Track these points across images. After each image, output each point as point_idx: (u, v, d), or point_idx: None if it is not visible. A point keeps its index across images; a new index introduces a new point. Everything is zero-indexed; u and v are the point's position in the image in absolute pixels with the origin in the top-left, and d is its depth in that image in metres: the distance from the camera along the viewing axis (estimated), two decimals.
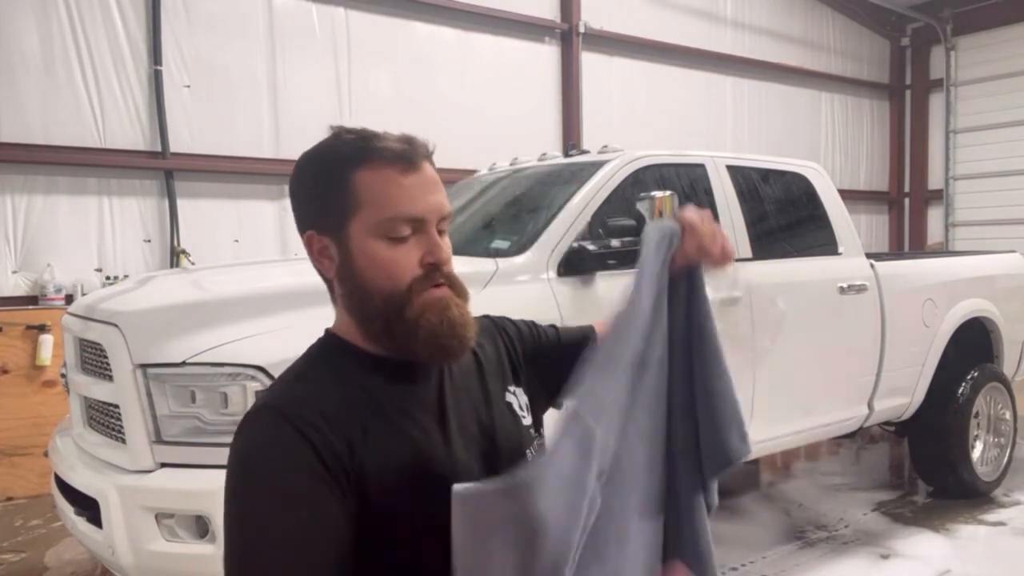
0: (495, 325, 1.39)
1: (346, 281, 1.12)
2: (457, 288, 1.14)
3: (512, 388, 1.28)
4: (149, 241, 5.77)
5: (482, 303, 2.85)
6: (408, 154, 1.10)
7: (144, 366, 2.31)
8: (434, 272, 1.11)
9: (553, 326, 1.46)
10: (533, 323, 1.44)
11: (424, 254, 1.10)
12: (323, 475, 1.00)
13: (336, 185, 1.09)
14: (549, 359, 1.37)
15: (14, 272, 5.29)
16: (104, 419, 2.56)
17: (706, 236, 1.26)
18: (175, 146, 5.77)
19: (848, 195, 7.33)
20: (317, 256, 1.14)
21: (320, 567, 0.98)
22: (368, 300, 1.11)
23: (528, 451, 1.23)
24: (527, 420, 1.27)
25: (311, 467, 0.99)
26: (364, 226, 1.08)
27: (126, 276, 5.29)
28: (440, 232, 1.13)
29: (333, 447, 1.01)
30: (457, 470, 1.10)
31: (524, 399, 1.29)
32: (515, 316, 2.73)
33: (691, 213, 1.26)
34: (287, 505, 0.98)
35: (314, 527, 0.98)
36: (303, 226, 1.14)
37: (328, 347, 1.17)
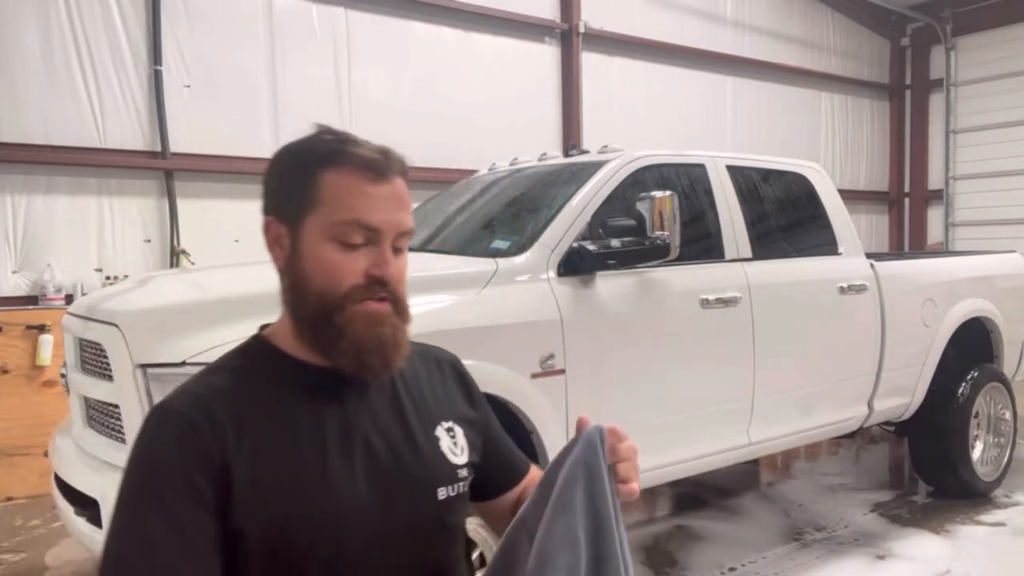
0: (455, 367, 1.35)
1: (289, 275, 1.13)
2: (400, 309, 1.13)
3: (449, 425, 1.23)
4: (149, 241, 5.77)
5: (482, 303, 2.85)
6: (379, 164, 1.10)
7: (144, 366, 2.31)
8: (376, 285, 1.10)
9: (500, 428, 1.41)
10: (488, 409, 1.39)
11: (371, 266, 1.10)
12: (192, 482, 1.01)
13: (302, 178, 1.10)
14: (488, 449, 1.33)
15: (14, 272, 5.29)
16: (104, 419, 2.56)
17: (622, 449, 1.15)
18: (175, 146, 5.77)
19: (848, 195, 7.33)
20: (271, 243, 1.15)
21: (177, 567, 0.98)
22: (304, 298, 1.11)
23: (440, 489, 1.17)
24: (457, 459, 1.21)
25: (183, 475, 1.01)
26: (319, 224, 1.09)
27: (126, 276, 5.29)
28: (398, 250, 1.13)
29: (208, 450, 1.03)
30: (341, 490, 1.08)
31: (463, 440, 1.24)
32: (515, 316, 2.72)
33: (616, 427, 1.16)
34: (149, 507, 1.00)
35: (173, 534, 0.99)
36: (265, 210, 1.16)
37: (250, 347, 1.18)
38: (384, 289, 1.11)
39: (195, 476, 1.01)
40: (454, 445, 1.21)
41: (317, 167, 1.09)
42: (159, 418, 1.07)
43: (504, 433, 1.39)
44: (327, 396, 1.13)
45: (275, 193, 1.15)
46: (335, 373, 1.12)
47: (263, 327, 1.21)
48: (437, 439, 1.20)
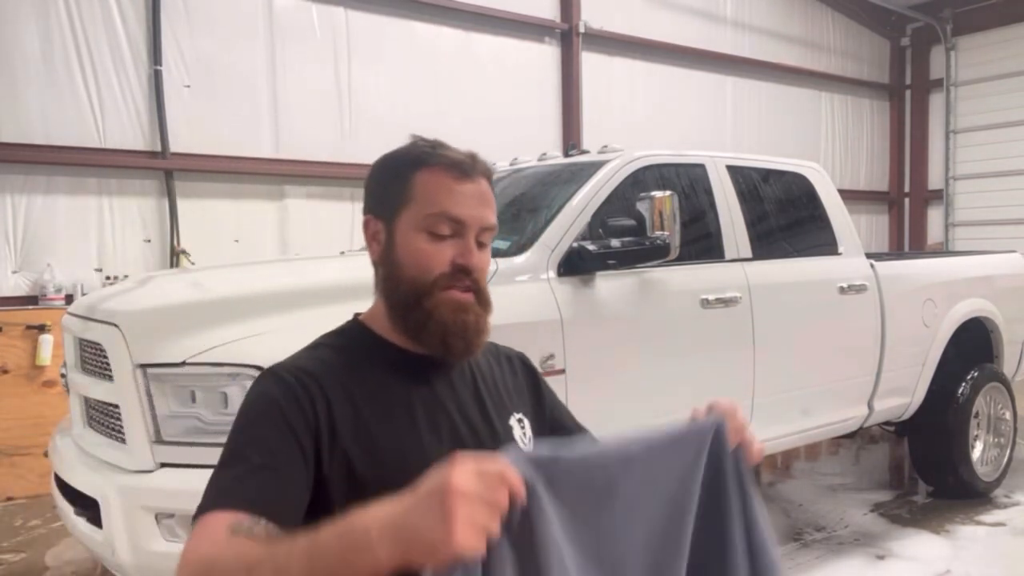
0: (524, 363, 1.47)
1: (384, 265, 1.25)
2: (482, 299, 1.25)
3: (520, 416, 1.35)
4: (149, 241, 5.77)
5: None
6: (465, 165, 1.23)
7: (144, 366, 2.31)
8: (460, 274, 1.21)
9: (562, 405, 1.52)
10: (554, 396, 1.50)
11: (456, 255, 1.21)
12: (294, 429, 1.12)
13: (398, 179, 1.23)
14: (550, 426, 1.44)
15: (14, 272, 5.29)
16: (104, 419, 2.56)
17: (740, 423, 1.22)
18: (175, 146, 5.77)
19: (848, 195, 7.33)
20: (369, 239, 1.28)
21: (265, 496, 1.07)
22: (397, 285, 1.23)
23: None
24: (527, 448, 1.32)
25: (286, 421, 1.12)
26: (412, 218, 1.21)
27: (126, 276, 5.29)
28: (481, 244, 1.24)
29: (313, 405, 1.14)
30: (432, 460, 1.14)
31: (531, 432, 1.35)
32: (515, 316, 2.73)
33: (726, 402, 1.24)
34: (249, 443, 1.11)
35: (267, 470, 1.08)
36: (365, 210, 1.29)
37: (348, 329, 1.30)
38: (468, 277, 1.22)
39: (296, 424, 1.12)
40: (524, 435, 1.34)
41: (411, 168, 1.22)
42: (268, 378, 1.18)
43: (575, 420, 1.49)
44: (418, 378, 1.24)
45: (374, 194, 1.28)
46: (425, 359, 1.24)
47: (357, 314, 1.32)
48: (510, 428, 1.32)
